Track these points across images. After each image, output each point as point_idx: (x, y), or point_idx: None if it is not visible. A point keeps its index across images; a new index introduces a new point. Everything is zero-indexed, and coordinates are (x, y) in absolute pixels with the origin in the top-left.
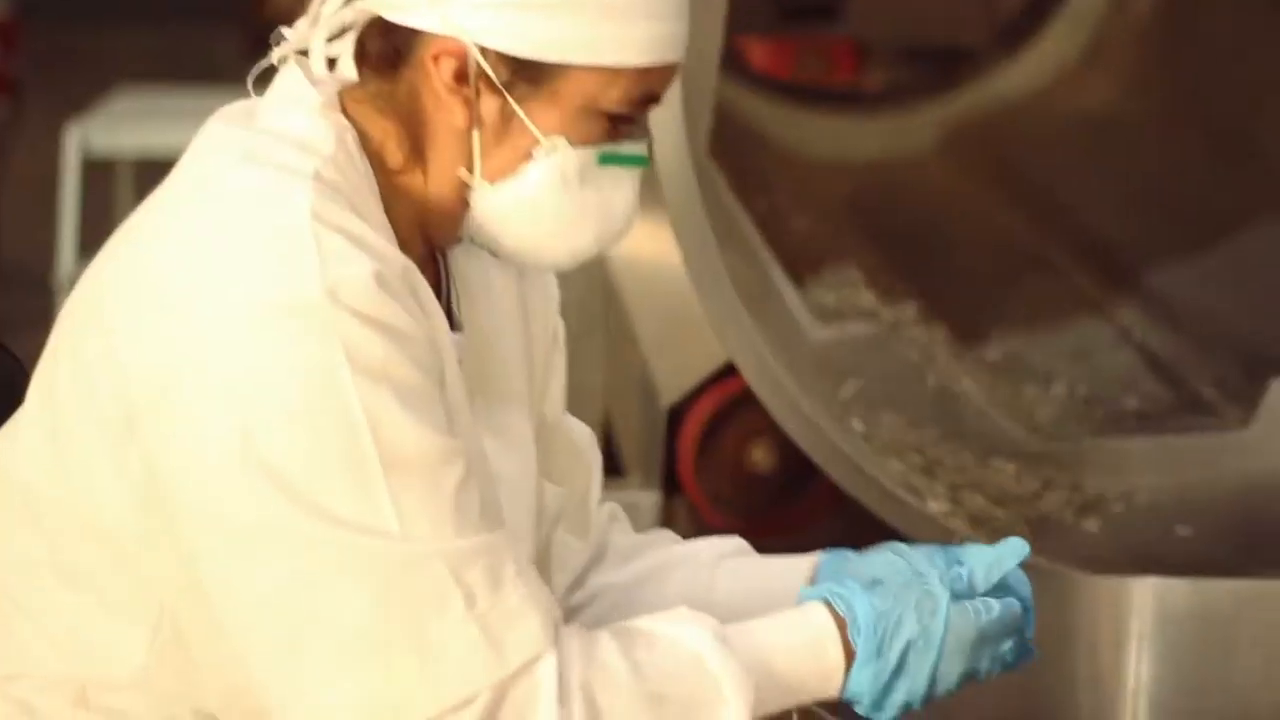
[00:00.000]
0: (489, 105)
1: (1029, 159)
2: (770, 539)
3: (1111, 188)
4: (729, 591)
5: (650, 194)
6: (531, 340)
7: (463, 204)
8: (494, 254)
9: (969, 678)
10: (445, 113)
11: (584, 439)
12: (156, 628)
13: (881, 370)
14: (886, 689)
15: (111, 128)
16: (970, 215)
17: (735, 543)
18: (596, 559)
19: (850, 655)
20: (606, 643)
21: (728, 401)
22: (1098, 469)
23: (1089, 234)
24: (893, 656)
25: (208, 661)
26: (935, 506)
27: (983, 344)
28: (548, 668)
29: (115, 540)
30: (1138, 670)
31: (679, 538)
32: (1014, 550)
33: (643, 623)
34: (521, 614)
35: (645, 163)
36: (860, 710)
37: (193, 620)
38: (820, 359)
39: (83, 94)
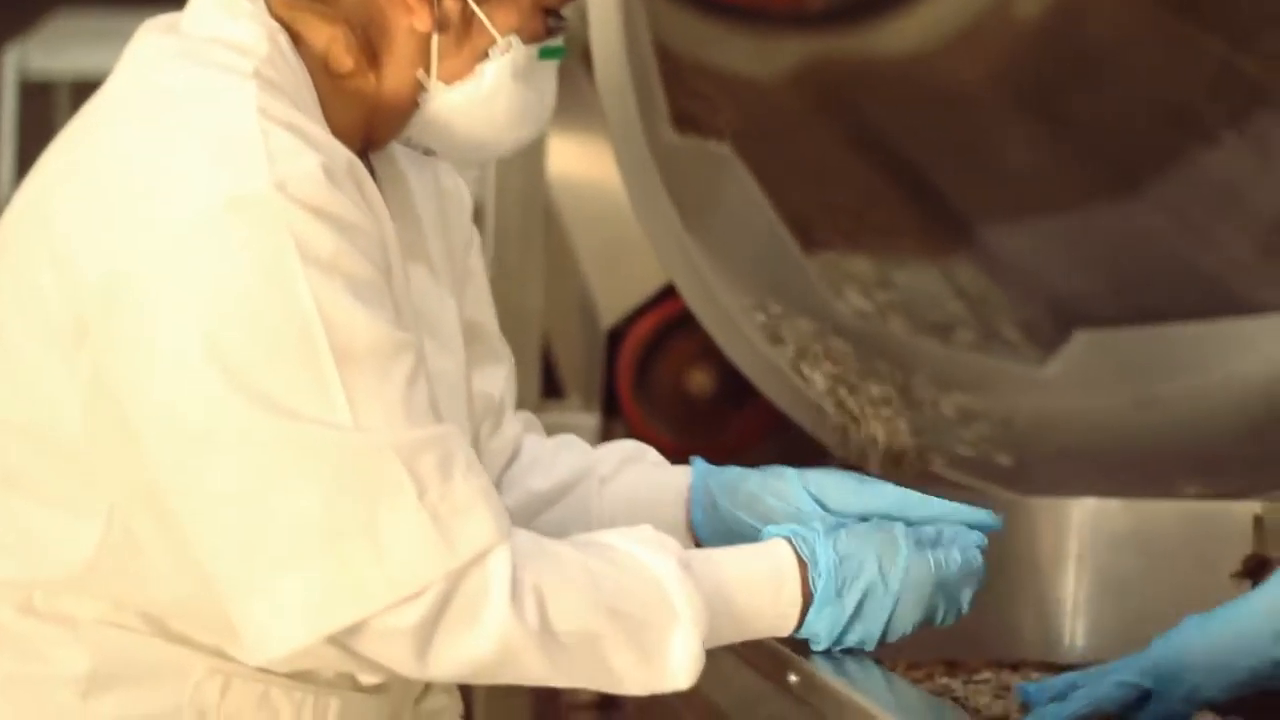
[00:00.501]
0: (451, 7)
1: (885, 115)
2: (708, 461)
3: (959, 155)
4: (614, 497)
5: (590, 115)
6: (451, 245)
7: (413, 105)
8: (431, 152)
9: (924, 624)
10: (406, 16)
11: (501, 343)
12: (107, 527)
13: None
14: (842, 632)
15: (49, 50)
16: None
17: (634, 447)
18: (511, 461)
19: (808, 597)
20: (566, 550)
21: (667, 323)
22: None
23: (929, 188)
24: (850, 601)
25: (157, 563)
26: (865, 429)
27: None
28: (499, 561)
29: (64, 443)
30: (1076, 590)
31: (587, 444)
32: (984, 519)
33: (606, 537)
34: (472, 506)
35: (566, 54)
36: (814, 647)
37: (144, 521)
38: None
39: (20, 17)
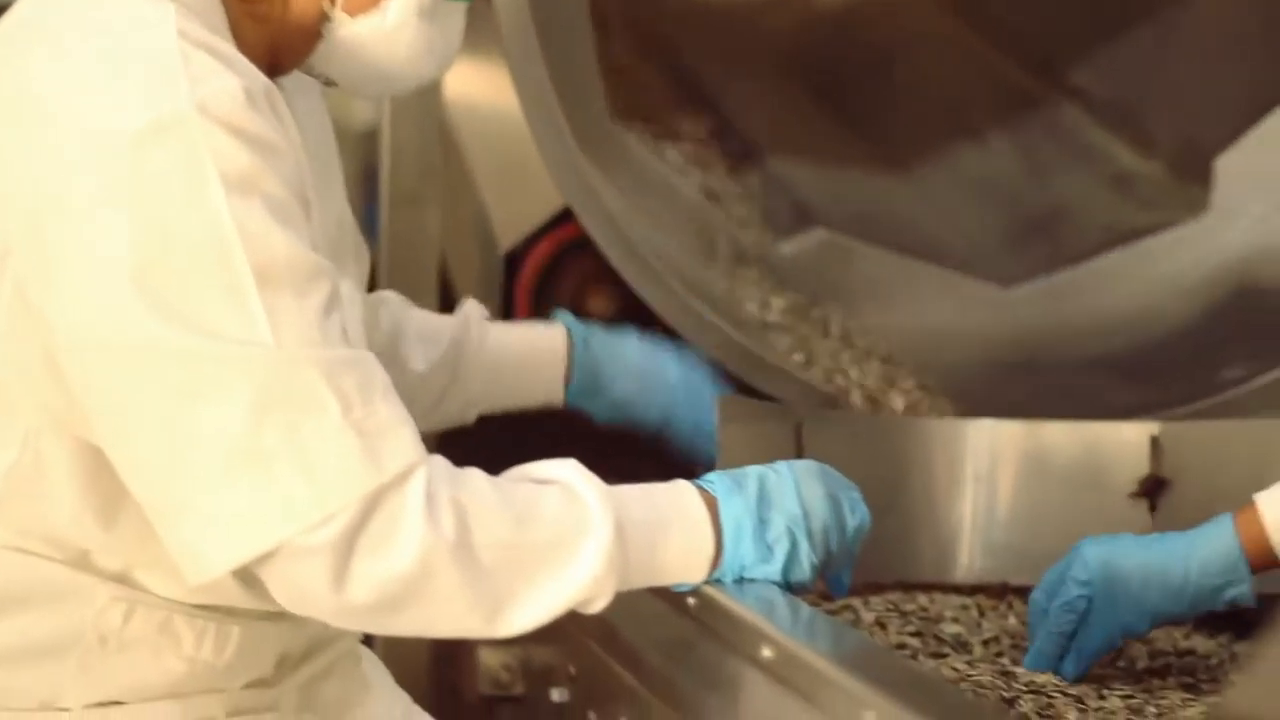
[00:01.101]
0: None
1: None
2: None
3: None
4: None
5: (488, 39)
6: (333, 165)
7: (317, 35)
8: (332, 83)
9: (835, 509)
10: None
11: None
12: (19, 452)
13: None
14: (763, 522)
15: None
16: None
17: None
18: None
19: (712, 502)
20: (475, 472)
21: (565, 247)
22: None
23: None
24: (751, 486)
25: (64, 489)
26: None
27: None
28: (419, 479)
29: None
30: (974, 511)
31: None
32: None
33: (525, 466)
34: (394, 425)
35: None
36: (760, 569)
37: (56, 446)
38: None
39: None
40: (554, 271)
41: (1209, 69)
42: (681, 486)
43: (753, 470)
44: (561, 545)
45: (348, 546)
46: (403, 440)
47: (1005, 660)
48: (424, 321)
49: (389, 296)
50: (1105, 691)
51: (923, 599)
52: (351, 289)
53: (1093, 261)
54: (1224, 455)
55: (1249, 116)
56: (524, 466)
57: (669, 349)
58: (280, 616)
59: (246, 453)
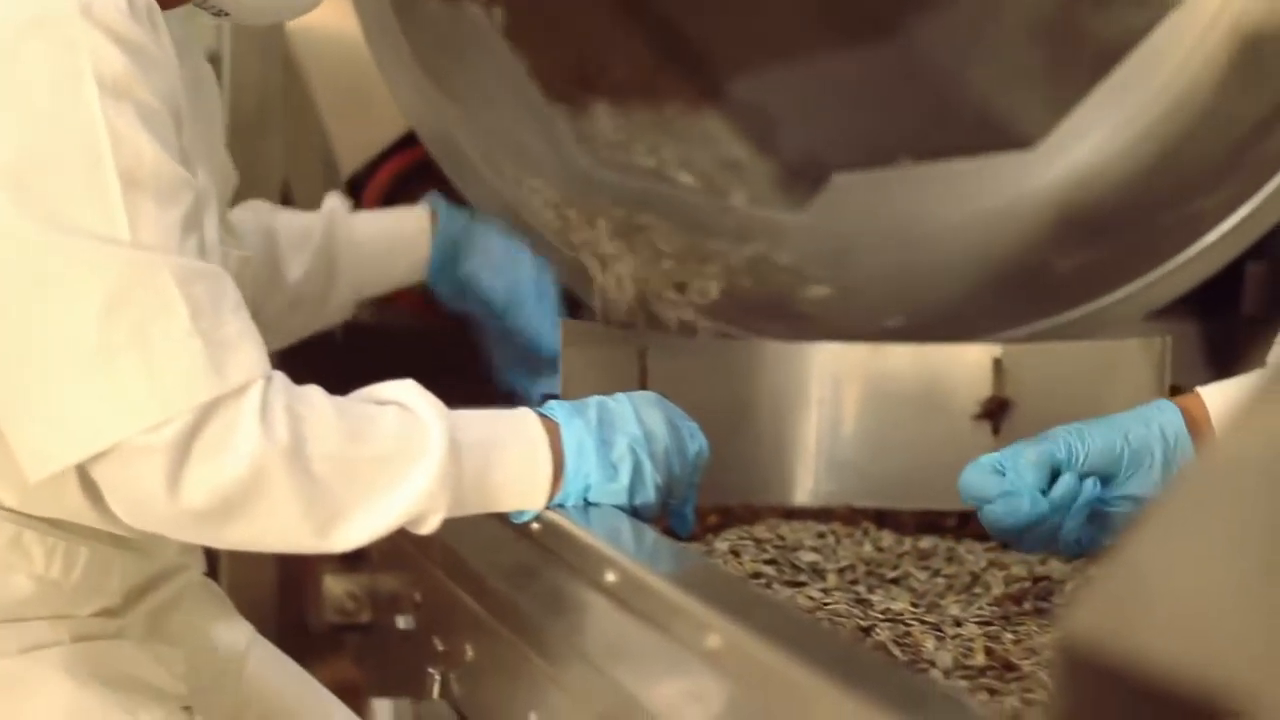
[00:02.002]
0: None
1: None
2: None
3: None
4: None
5: None
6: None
7: None
8: (223, 14)
9: (675, 433)
10: None
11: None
12: None
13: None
14: (605, 443)
15: None
16: None
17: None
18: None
19: (553, 427)
20: (314, 388)
21: (408, 171)
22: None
23: (683, 45)
24: (592, 412)
25: None
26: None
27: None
28: (257, 390)
29: None
30: (818, 435)
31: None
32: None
33: (360, 391)
34: (241, 339)
35: None
36: (606, 489)
37: None
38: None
39: None
40: (397, 196)
41: None
42: (521, 411)
43: (592, 399)
44: (395, 460)
45: (184, 450)
46: (248, 354)
47: (861, 588)
48: (291, 225)
49: (256, 205)
50: (963, 619)
51: (783, 528)
52: (214, 213)
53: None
54: (1064, 376)
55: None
56: (364, 389)
57: (526, 247)
58: (126, 543)
59: (94, 349)
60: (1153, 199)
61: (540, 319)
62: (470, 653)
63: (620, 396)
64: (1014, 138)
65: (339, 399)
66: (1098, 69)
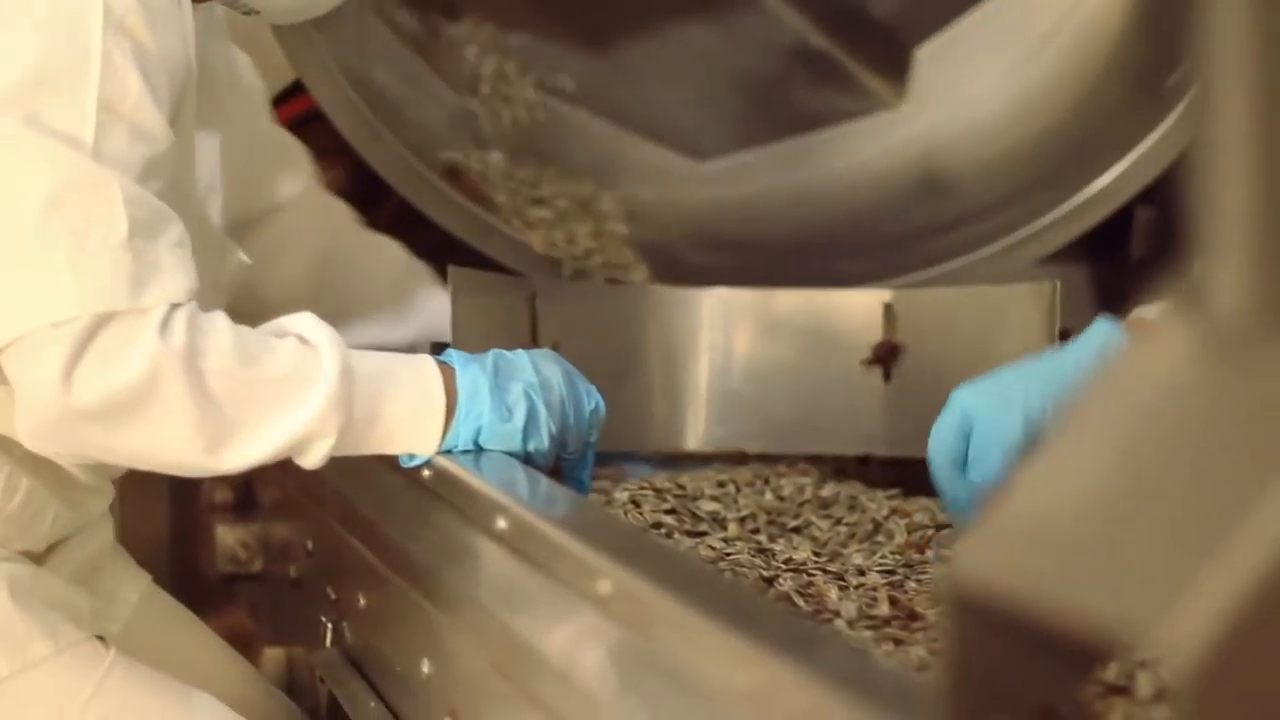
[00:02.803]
0: None
1: None
2: None
3: None
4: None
5: None
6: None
7: None
8: (253, 12)
9: (572, 386)
10: None
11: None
12: None
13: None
14: (500, 387)
15: None
16: None
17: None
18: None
19: (449, 371)
20: (219, 313)
21: (298, 119)
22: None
23: None
24: (488, 359)
25: None
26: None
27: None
28: (165, 308)
29: None
30: (709, 380)
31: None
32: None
33: (263, 325)
34: (173, 270)
35: None
36: (499, 429)
37: None
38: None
39: None
40: None
41: None
42: (420, 356)
43: (489, 352)
44: (288, 382)
45: (81, 346)
46: (175, 282)
47: (762, 538)
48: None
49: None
50: (866, 568)
51: (683, 477)
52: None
53: (793, 141)
54: (955, 320)
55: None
56: (267, 324)
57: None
58: (62, 488)
59: (31, 239)
60: (1043, 148)
61: None
62: (362, 601)
63: (519, 351)
64: (889, 95)
65: (241, 326)
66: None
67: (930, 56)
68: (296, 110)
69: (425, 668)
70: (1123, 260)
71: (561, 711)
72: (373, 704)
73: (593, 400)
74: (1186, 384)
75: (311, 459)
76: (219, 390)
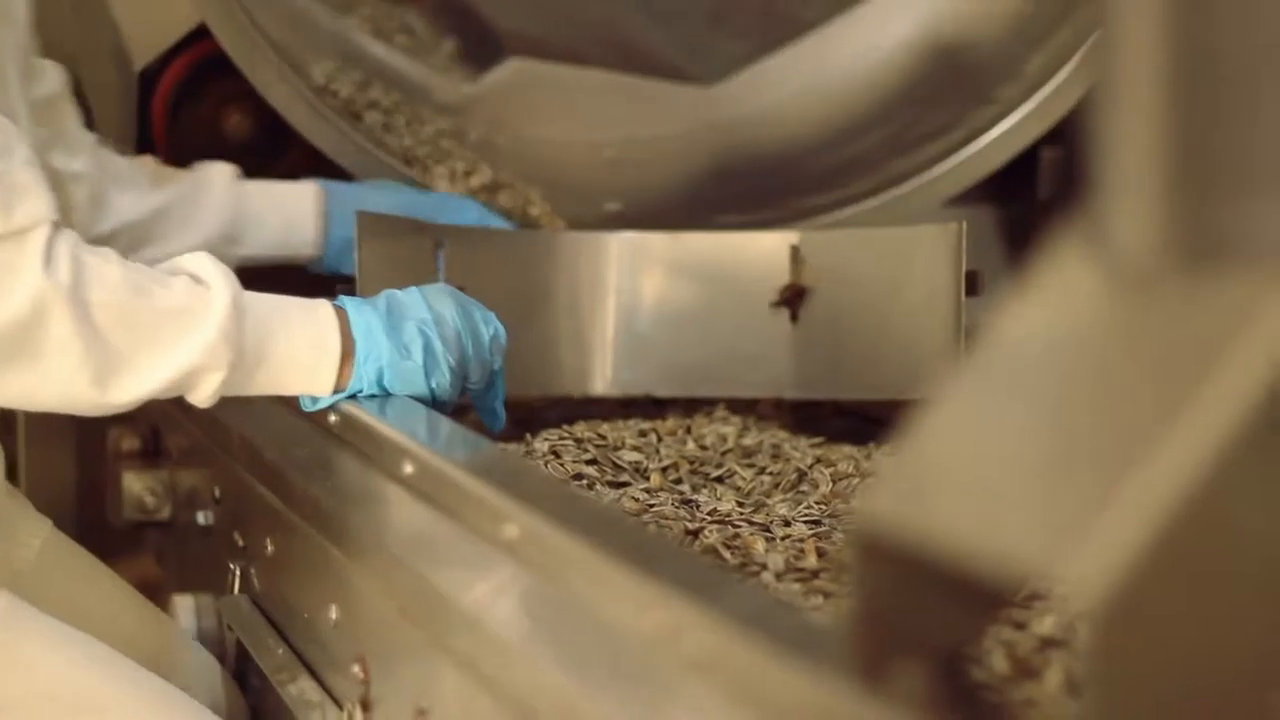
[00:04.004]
0: None
1: None
2: None
3: None
4: (256, 210)
5: None
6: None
7: None
8: None
9: (467, 317)
10: None
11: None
12: None
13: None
14: (394, 327)
15: None
16: None
17: (231, 168)
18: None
19: (343, 313)
20: (106, 249)
21: (202, 64)
22: None
23: None
24: (380, 301)
25: None
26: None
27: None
28: (43, 233)
29: None
30: (617, 324)
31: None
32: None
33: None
34: (31, 187)
35: None
36: (400, 369)
37: None
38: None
39: None
40: (191, 89)
41: None
42: (315, 300)
43: (380, 294)
44: (177, 315)
45: None
46: (39, 202)
47: (685, 487)
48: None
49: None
50: (791, 519)
51: (604, 426)
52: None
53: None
54: (861, 262)
55: None
56: (162, 264)
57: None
58: None
59: None
60: (948, 88)
61: None
62: (270, 547)
63: (410, 289)
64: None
65: (132, 261)
66: None
67: None
68: (201, 54)
69: (333, 614)
70: (1029, 201)
71: (470, 657)
72: (280, 651)
73: (491, 327)
74: (1090, 322)
75: (201, 395)
76: (105, 322)
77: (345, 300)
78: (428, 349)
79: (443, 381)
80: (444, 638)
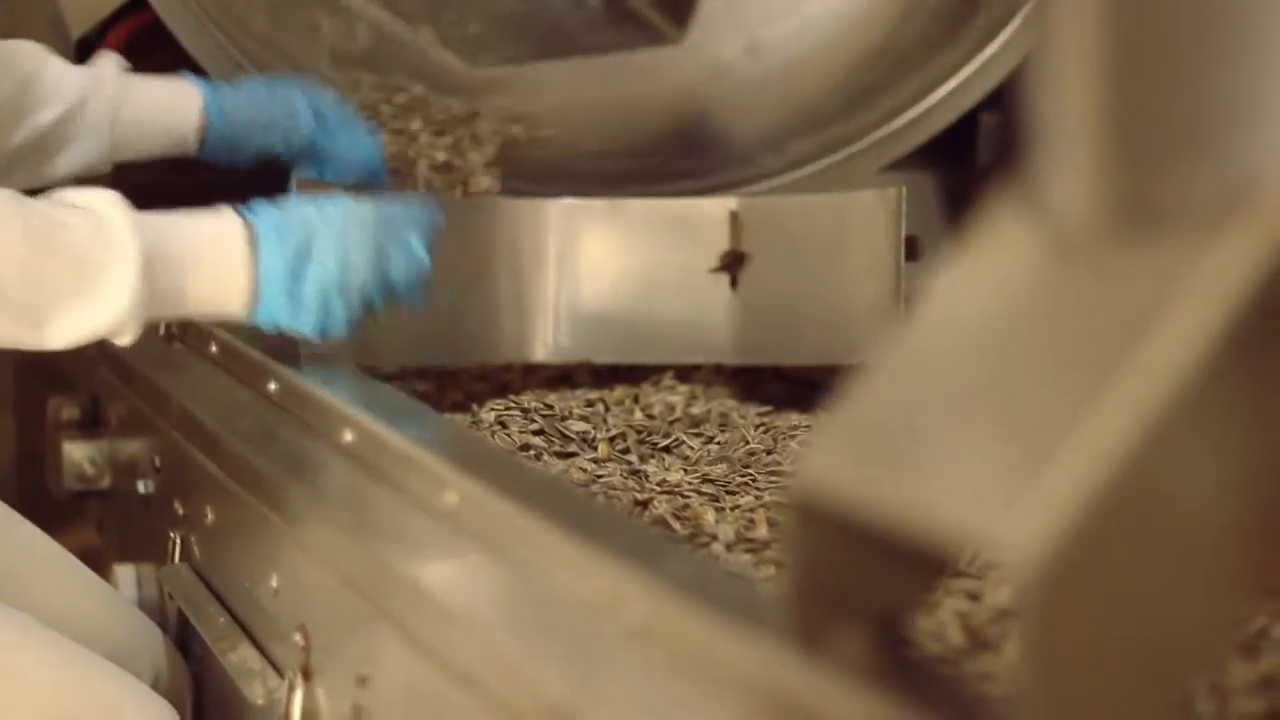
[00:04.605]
0: None
1: None
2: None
3: None
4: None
5: None
6: None
7: None
8: None
9: (380, 264)
10: None
11: None
12: None
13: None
14: (296, 277)
15: None
16: None
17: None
18: None
19: (250, 228)
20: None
21: (140, 33)
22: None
23: None
24: (292, 237)
25: None
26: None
27: None
28: None
29: None
30: (556, 290)
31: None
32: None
33: (57, 193)
34: None
35: None
36: (294, 323)
37: None
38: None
39: None
40: (129, 58)
41: None
42: (226, 221)
43: (300, 213)
44: (86, 274)
45: None
46: None
47: (633, 457)
48: (59, 74)
49: (26, 46)
50: (740, 489)
51: (551, 396)
52: None
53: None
54: (801, 228)
55: None
56: (62, 191)
57: (295, 85)
58: None
59: None
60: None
61: (349, 148)
62: (210, 516)
63: (334, 213)
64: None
65: (26, 201)
66: None
67: None
68: (140, 23)
69: (274, 582)
70: (969, 166)
71: (410, 624)
72: (221, 619)
73: (412, 267)
74: (1027, 286)
75: (120, 342)
76: (8, 278)
77: (259, 223)
78: (325, 310)
79: (338, 330)
80: (385, 605)
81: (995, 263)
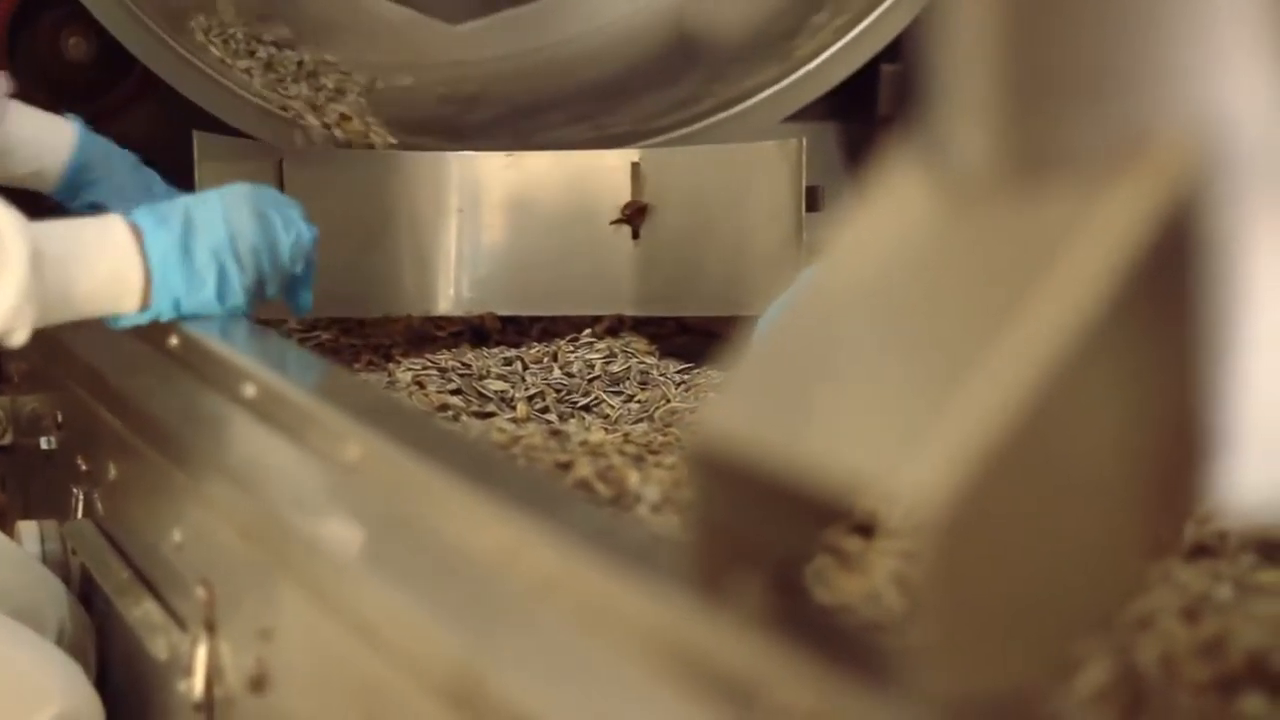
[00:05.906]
0: None
1: None
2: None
3: None
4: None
5: None
6: None
7: None
8: None
9: (265, 228)
10: None
11: None
12: None
13: None
14: (188, 252)
15: None
16: None
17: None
18: None
19: (137, 231)
20: None
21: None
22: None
23: None
24: (176, 219)
25: None
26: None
27: None
28: None
29: None
30: (459, 243)
31: None
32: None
33: None
34: None
35: None
36: (195, 298)
37: None
38: None
39: None
40: (27, 14)
41: None
42: (109, 220)
43: (180, 202)
44: None
45: None
46: None
47: (552, 416)
48: None
49: None
50: (659, 447)
51: (469, 355)
52: None
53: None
54: (702, 179)
55: None
56: None
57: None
58: None
59: None
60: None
61: None
62: (113, 471)
63: (210, 195)
64: None
65: None
66: None
67: None
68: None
69: (176, 537)
70: (870, 117)
71: (312, 578)
72: (125, 574)
73: (294, 230)
74: (925, 235)
75: (11, 344)
76: None
77: (142, 218)
78: (221, 275)
79: (237, 303)
80: (286, 559)
81: (894, 213)
